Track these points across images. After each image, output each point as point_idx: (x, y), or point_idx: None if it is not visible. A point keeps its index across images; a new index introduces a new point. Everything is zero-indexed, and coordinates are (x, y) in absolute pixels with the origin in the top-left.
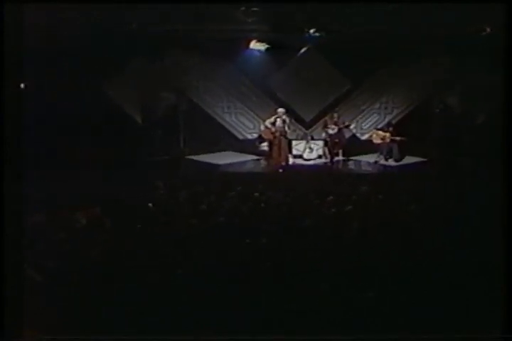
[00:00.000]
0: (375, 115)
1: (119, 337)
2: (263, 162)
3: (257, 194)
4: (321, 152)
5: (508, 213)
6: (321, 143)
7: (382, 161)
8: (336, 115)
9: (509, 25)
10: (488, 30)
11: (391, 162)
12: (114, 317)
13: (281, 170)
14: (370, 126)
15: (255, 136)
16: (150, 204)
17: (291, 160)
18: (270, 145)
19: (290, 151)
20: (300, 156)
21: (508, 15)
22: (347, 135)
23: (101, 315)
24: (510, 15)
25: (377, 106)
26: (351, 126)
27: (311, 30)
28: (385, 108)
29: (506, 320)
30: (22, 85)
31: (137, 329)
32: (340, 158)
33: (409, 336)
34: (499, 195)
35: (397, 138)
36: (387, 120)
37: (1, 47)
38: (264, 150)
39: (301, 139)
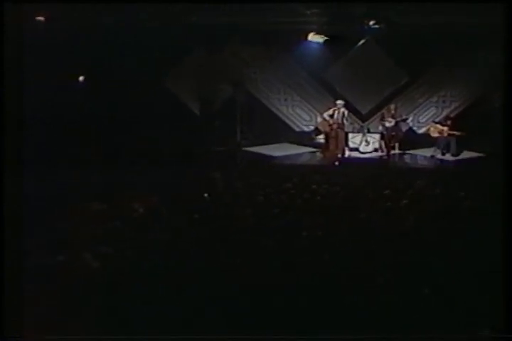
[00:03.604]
0: (432, 108)
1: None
2: (319, 154)
3: (314, 186)
4: (377, 145)
5: None
6: (377, 136)
7: (439, 155)
8: (393, 108)
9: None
10: None
11: (448, 156)
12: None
13: (337, 163)
14: (427, 119)
15: (312, 128)
16: (206, 195)
17: (347, 153)
18: (327, 137)
19: (346, 144)
20: (356, 149)
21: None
22: (404, 128)
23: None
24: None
25: (435, 99)
26: (408, 120)
27: (370, 22)
28: (443, 101)
29: (506, 320)
30: (80, 78)
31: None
32: (397, 151)
33: (410, 336)
34: None
35: (455, 133)
36: (444, 114)
37: (1, 46)
38: (320, 143)
39: (358, 132)
